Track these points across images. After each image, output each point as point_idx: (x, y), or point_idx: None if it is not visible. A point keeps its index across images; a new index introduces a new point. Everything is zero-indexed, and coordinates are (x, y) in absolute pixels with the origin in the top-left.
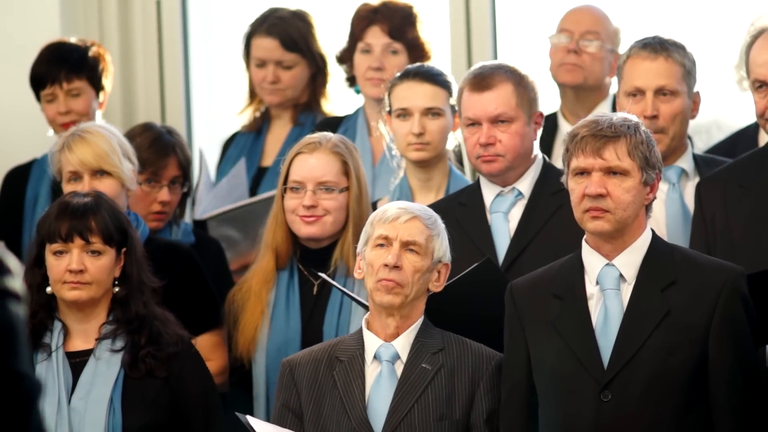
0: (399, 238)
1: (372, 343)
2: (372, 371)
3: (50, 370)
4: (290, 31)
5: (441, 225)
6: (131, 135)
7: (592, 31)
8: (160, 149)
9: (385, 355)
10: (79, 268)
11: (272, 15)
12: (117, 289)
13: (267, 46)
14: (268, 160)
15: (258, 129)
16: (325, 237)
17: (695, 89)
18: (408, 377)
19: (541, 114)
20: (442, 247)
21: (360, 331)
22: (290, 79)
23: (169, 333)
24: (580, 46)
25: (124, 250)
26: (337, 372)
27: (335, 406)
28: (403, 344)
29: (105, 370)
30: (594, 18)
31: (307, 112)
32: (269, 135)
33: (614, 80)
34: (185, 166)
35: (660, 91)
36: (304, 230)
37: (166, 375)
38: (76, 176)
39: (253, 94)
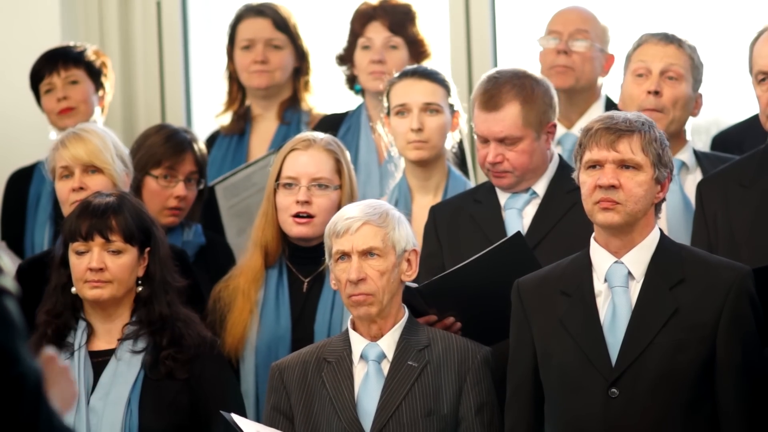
0: (355, 250)
1: (358, 343)
2: (359, 371)
3: (72, 369)
4: (281, 13)
5: (395, 215)
6: (147, 134)
7: (581, 30)
8: (176, 144)
9: (371, 354)
10: (99, 267)
11: (258, 4)
12: (140, 288)
13: (257, 25)
14: None
15: (240, 130)
16: (315, 237)
17: (699, 91)
18: (394, 375)
19: (554, 124)
20: (402, 237)
21: (346, 331)
22: (279, 60)
23: (191, 335)
24: (569, 46)
25: (148, 249)
26: (325, 373)
27: (325, 407)
28: (388, 343)
29: (125, 370)
30: (582, 17)
31: (293, 109)
32: (253, 135)
33: (606, 81)
34: (201, 164)
35: (666, 73)
36: (295, 231)
37: (186, 377)
38: (67, 172)
39: (231, 95)
